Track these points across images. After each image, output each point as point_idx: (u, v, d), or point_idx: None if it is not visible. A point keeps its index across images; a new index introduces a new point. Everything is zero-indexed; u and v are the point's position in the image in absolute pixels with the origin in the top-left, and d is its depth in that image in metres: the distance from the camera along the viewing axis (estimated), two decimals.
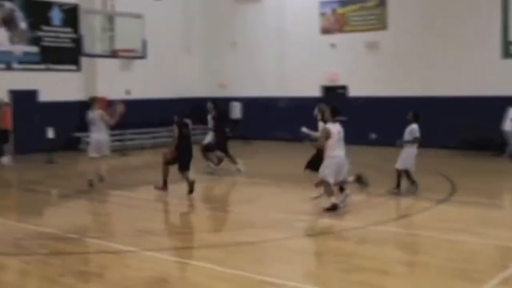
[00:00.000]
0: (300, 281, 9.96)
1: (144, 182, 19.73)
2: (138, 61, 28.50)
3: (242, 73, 33.65)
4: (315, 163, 15.80)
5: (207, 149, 21.53)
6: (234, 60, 34.10)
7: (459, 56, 26.95)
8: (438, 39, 27.30)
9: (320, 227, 13.50)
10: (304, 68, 31.21)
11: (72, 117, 28.44)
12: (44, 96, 28.23)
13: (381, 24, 29.01)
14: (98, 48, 23.60)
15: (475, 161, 24.01)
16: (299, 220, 14.12)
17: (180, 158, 17.50)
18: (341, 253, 11.53)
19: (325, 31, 30.87)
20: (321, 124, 16.88)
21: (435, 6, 27.54)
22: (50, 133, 25.22)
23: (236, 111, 33.46)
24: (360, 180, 15.56)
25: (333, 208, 14.58)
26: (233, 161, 21.46)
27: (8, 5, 27.46)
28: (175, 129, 17.81)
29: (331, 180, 14.70)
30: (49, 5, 28.87)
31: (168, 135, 23.17)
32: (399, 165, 16.85)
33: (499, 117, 24.53)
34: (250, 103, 33.08)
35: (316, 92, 31.22)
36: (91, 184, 18.62)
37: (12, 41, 27.59)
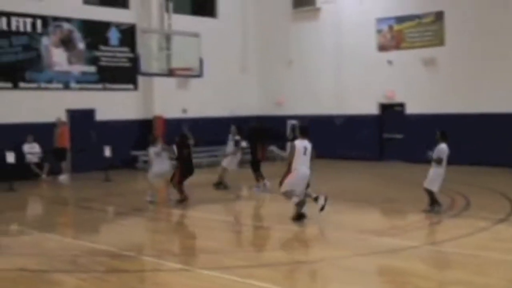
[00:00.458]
0: None
1: (200, 200, 19.74)
2: (195, 80, 28.65)
3: (298, 90, 33.58)
4: None
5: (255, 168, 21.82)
6: (290, 78, 34.06)
7: None
8: (496, 54, 26.90)
9: (378, 246, 13.30)
10: (360, 85, 31.05)
11: (129, 135, 28.75)
12: (101, 115, 28.55)
13: (438, 40, 28.69)
14: (155, 67, 23.70)
15: None
16: (356, 238, 13.96)
17: (181, 172, 18.93)
18: (399, 273, 11.35)
19: (382, 48, 30.66)
20: (230, 138, 19.23)
21: (493, 21, 27.12)
22: (107, 152, 25.45)
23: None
24: (316, 200, 16.26)
25: (299, 218, 15.75)
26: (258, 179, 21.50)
27: (66, 26, 27.86)
28: (174, 149, 18.43)
29: (297, 192, 15.84)
30: (107, 25, 29.23)
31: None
32: (426, 184, 16.54)
33: None
34: (306, 121, 32.93)
35: (373, 110, 31.01)
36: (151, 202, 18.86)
37: (70, 61, 27.97)
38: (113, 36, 29.55)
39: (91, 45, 28.68)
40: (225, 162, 22.54)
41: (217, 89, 32.33)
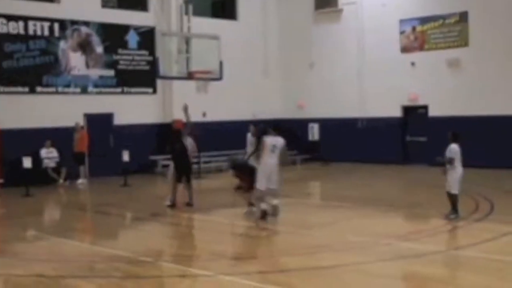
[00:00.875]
0: None
1: (219, 205, 19.75)
2: (214, 83, 28.66)
3: (320, 93, 33.52)
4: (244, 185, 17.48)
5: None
6: (312, 80, 34.01)
7: None
8: None
9: (400, 251, 13.20)
10: (383, 88, 30.93)
11: (148, 140, 28.78)
12: (120, 119, 28.64)
13: (462, 41, 28.53)
14: (174, 70, 23.68)
15: None
16: (378, 243, 13.87)
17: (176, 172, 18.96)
18: (422, 278, 11.26)
19: (405, 49, 30.53)
20: (249, 137, 20.01)
21: None
22: (126, 156, 25.49)
23: (313, 132, 33.34)
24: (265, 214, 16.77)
25: (263, 216, 16.46)
26: None
27: (84, 29, 27.97)
28: (168, 146, 18.61)
29: (263, 187, 16.49)
30: (126, 29, 29.31)
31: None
32: (448, 188, 16.39)
33: None
34: (328, 124, 32.90)
35: (397, 112, 30.88)
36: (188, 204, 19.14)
37: (88, 65, 28.07)
38: (132, 39, 29.63)
39: (110, 49, 28.78)
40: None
41: (238, 92, 32.33)
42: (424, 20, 29.79)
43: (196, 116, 29.67)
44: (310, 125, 33.56)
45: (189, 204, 19.24)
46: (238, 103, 32.41)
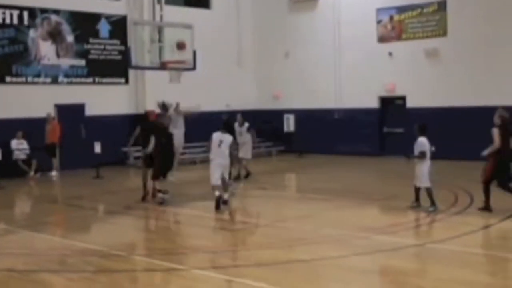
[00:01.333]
0: None
1: (193, 198, 19.75)
2: (188, 73, 28.60)
3: (296, 84, 33.57)
4: None
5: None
6: (287, 70, 34.04)
7: None
8: (502, 45, 26.91)
9: (378, 245, 13.27)
10: (360, 78, 31.03)
11: (120, 131, 28.67)
12: (91, 110, 28.51)
13: (440, 30, 28.68)
14: (147, 60, 23.62)
15: None
16: (355, 236, 13.95)
17: (158, 166, 18.84)
18: (399, 272, 11.34)
19: (382, 39, 30.65)
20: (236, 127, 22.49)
21: (498, 10, 27.14)
22: (97, 148, 25.41)
23: (289, 123, 33.40)
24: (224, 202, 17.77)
25: (218, 205, 17.43)
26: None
27: (54, 18, 27.80)
28: (154, 138, 18.58)
29: (214, 182, 17.65)
30: (97, 17, 29.18)
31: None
32: (418, 183, 16.54)
33: None
34: (304, 115, 32.97)
35: (374, 103, 31.01)
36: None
37: (58, 54, 27.92)
38: (103, 28, 29.51)
39: (81, 38, 28.62)
40: (241, 153, 22.96)
41: (212, 83, 32.27)
42: (401, 9, 29.92)
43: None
44: (286, 116, 33.61)
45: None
46: (212, 93, 32.36)
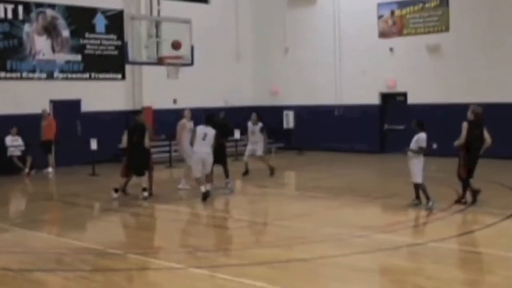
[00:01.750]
0: None
1: (190, 195, 19.76)
2: (185, 69, 28.63)
3: (295, 80, 33.58)
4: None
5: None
6: (286, 66, 34.05)
7: None
8: (505, 40, 26.92)
9: (378, 243, 13.30)
10: (361, 75, 31.00)
11: (117, 127, 28.61)
12: (87, 106, 28.52)
13: (442, 25, 28.68)
14: (144, 55, 23.63)
15: None
16: (355, 235, 13.97)
17: (125, 163, 19.31)
18: (400, 272, 11.37)
19: (383, 34, 30.65)
20: (250, 126, 23.57)
21: (501, 5, 27.14)
22: (94, 145, 25.43)
23: (288, 120, 33.42)
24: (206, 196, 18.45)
25: (204, 197, 18.19)
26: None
27: (50, 12, 27.79)
28: (125, 136, 18.66)
29: (198, 174, 18.49)
30: (93, 12, 29.17)
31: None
32: (414, 178, 16.59)
33: None
34: (303, 112, 32.99)
35: (374, 100, 31.03)
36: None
37: (54, 49, 27.92)
38: (100, 23, 29.49)
39: (76, 33, 28.61)
40: (259, 151, 23.46)
41: (210, 78, 32.26)
42: (403, 4, 29.92)
43: (166, 103, 29.85)
44: (285, 112, 33.64)
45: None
46: (210, 89, 32.37)
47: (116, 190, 19.12)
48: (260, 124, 23.59)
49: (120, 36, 28.92)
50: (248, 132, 23.95)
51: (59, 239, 14.66)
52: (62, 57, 28.18)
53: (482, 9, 27.51)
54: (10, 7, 26.56)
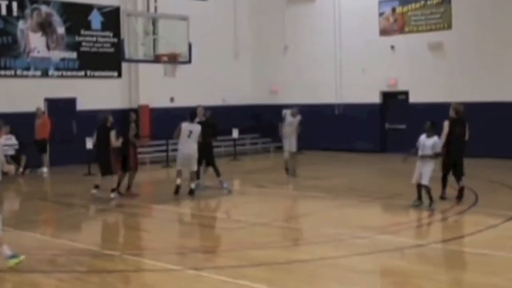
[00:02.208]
0: None
1: (188, 196, 19.71)
2: (183, 67, 28.59)
3: (295, 78, 33.54)
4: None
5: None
6: (285, 64, 34.02)
7: None
8: (508, 38, 26.90)
9: (380, 244, 13.28)
10: (361, 73, 30.96)
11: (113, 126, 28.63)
12: (83, 105, 28.46)
13: (445, 23, 28.65)
14: (140, 53, 23.58)
15: None
16: (357, 236, 13.95)
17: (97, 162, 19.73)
18: (402, 273, 11.34)
19: (384, 32, 30.63)
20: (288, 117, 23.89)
21: (504, 2, 27.11)
22: (89, 144, 25.36)
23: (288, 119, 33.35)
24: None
25: (191, 192, 18.86)
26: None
27: (44, 9, 27.75)
28: (94, 135, 19.46)
29: (178, 167, 19.21)
30: (89, 8, 29.12)
31: None
32: (426, 181, 16.50)
33: None
34: (303, 111, 32.84)
35: (375, 99, 31.01)
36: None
37: (48, 47, 27.88)
38: (95, 19, 29.47)
39: (72, 30, 28.58)
40: (293, 147, 23.60)
41: (207, 77, 32.22)
42: (404, 1, 29.90)
43: (163, 102, 29.81)
44: (284, 111, 33.56)
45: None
46: (207, 88, 32.29)
47: (113, 190, 19.08)
48: (299, 117, 23.75)
49: (117, 33, 28.88)
50: (282, 125, 24.02)
51: (53, 240, 14.62)
52: (57, 54, 28.15)
53: (485, 6, 27.48)
54: (4, 3, 26.51)
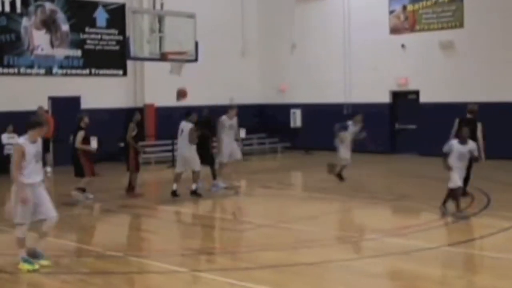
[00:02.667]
0: None
1: (189, 197, 19.70)
2: (189, 65, 28.60)
3: (303, 77, 33.50)
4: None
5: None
6: (293, 63, 33.99)
7: None
8: None
9: (388, 247, 13.24)
10: (371, 72, 30.90)
11: (118, 125, 28.61)
12: (87, 103, 28.42)
13: (457, 21, 28.58)
14: (146, 50, 23.58)
15: None
16: (365, 238, 13.94)
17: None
18: (412, 277, 11.30)
19: (395, 30, 30.57)
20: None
21: None
22: (94, 143, 25.34)
23: (295, 118, 33.37)
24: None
25: (174, 194, 19.03)
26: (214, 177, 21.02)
27: (49, 5, 27.78)
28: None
29: (177, 170, 19.52)
30: (94, 5, 29.16)
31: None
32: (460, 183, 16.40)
33: None
34: (311, 110, 32.93)
35: (385, 98, 30.95)
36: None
37: (53, 44, 27.90)
38: (100, 17, 29.49)
39: (76, 27, 28.61)
40: (342, 153, 22.42)
41: (214, 75, 32.20)
42: None
43: (169, 101, 29.77)
44: (292, 110, 33.59)
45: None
46: (214, 86, 32.27)
47: (78, 189, 19.42)
48: (360, 124, 22.69)
49: (122, 31, 28.95)
50: (342, 134, 22.67)
51: (57, 240, 14.58)
52: (62, 52, 28.18)
53: (498, 4, 27.39)
54: (7, 0, 26.53)
